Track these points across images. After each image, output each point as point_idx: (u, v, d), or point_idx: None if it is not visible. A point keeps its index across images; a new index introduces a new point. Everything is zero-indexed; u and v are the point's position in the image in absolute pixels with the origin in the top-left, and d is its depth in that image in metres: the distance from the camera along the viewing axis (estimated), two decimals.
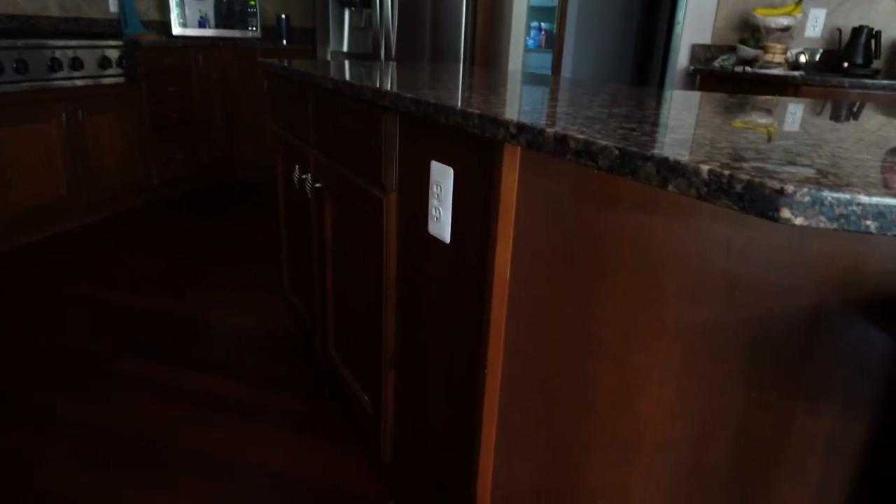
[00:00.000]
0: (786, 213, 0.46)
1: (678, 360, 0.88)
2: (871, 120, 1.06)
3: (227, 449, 1.61)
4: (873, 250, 0.76)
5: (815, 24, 3.15)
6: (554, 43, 5.86)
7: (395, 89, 1.11)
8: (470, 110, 0.86)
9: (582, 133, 0.66)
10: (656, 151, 0.56)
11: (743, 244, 0.80)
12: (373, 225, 1.30)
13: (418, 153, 1.11)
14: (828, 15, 3.13)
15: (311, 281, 1.86)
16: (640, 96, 1.22)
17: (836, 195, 0.45)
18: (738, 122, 0.88)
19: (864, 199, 0.45)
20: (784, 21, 2.96)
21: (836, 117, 1.06)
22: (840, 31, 3.08)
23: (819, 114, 1.10)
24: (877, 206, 0.45)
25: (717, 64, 3.14)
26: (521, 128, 0.76)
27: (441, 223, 1.04)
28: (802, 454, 0.87)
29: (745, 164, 0.53)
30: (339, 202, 1.51)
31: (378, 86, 1.17)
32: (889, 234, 0.45)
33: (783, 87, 2.78)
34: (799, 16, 3.03)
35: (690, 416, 0.90)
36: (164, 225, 3.37)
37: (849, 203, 0.45)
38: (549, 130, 0.71)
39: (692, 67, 3.35)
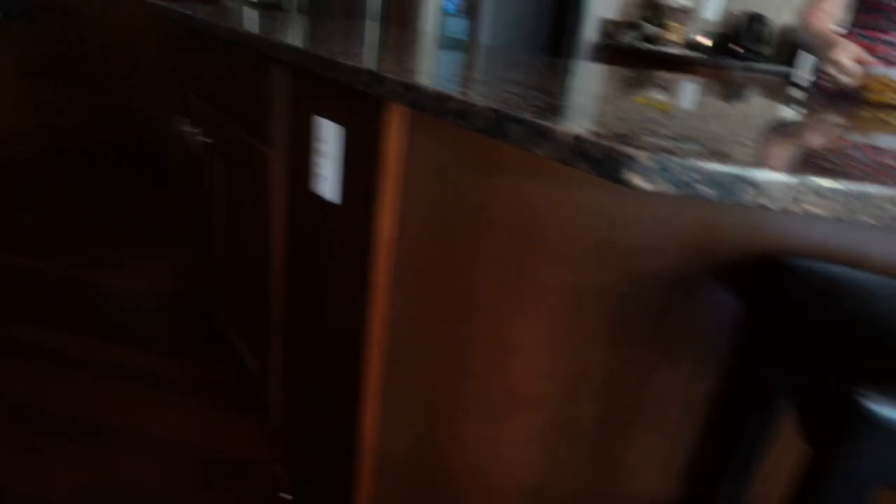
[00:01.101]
0: (635, 178, 0.48)
1: (550, 321, 0.92)
2: (749, 100, 1.13)
3: (114, 415, 1.54)
4: (727, 220, 0.81)
5: (714, 7, 3.31)
6: (471, 8, 5.83)
7: (289, 42, 1.06)
8: (357, 66, 0.83)
9: (464, 95, 0.66)
10: (528, 116, 0.57)
11: (615, 210, 0.84)
12: (258, 183, 1.26)
13: (309, 109, 1.07)
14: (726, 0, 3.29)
15: (207, 243, 1.79)
16: (538, 65, 1.24)
17: (679, 162, 0.48)
18: (638, 98, 0.91)
19: (703, 166, 0.47)
20: (684, 2, 3.08)
21: (716, 96, 1.12)
22: (735, 15, 3.25)
23: (703, 93, 1.15)
24: (713, 174, 0.47)
25: (621, 39, 3.23)
26: (406, 86, 0.75)
27: (329, 183, 1.02)
28: (661, 406, 0.94)
29: (607, 132, 0.54)
30: (229, 159, 1.45)
31: (269, 36, 1.11)
32: (727, 201, 0.48)
33: (681, 65, 2.91)
34: None
35: (561, 375, 0.94)
36: (54, 180, 3.11)
37: (692, 170, 0.48)
38: (431, 89, 0.70)
39: (601, 41, 3.43)
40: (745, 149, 0.55)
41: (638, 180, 0.48)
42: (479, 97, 0.66)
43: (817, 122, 0.91)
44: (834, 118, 0.99)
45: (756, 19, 3.07)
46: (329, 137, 1.00)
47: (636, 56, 3.11)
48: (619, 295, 0.89)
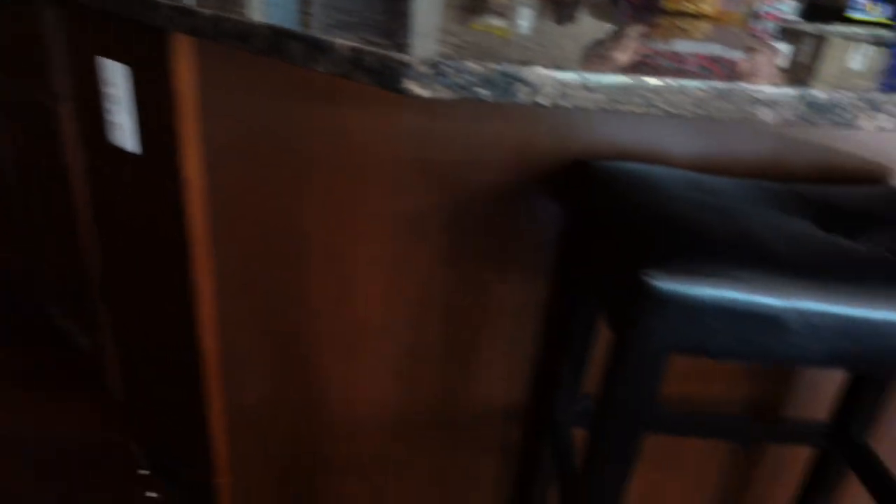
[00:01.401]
0: (411, 85, 0.47)
1: (389, 250, 0.91)
2: (573, 18, 1.16)
3: None
4: (540, 128, 0.84)
5: None
6: None
7: None
8: None
9: (238, 15, 0.60)
10: (303, 30, 0.53)
11: (431, 130, 0.83)
12: (49, 141, 1.11)
13: (90, 50, 0.95)
14: None
15: (14, 219, 1.57)
16: None
17: (452, 64, 0.47)
18: (475, 26, 0.89)
19: (475, 68, 0.47)
20: None
21: (549, 18, 1.13)
22: None
23: (538, 16, 1.16)
24: (486, 75, 0.47)
25: None
26: (181, 11, 0.68)
27: (126, 131, 0.92)
28: (500, 319, 0.98)
29: (385, 41, 0.52)
30: (13, 118, 1.26)
31: None
32: (499, 100, 0.48)
33: None
34: None
35: (404, 300, 0.95)
36: None
37: (464, 72, 0.47)
38: (207, 12, 0.63)
39: None
40: (525, 51, 0.56)
41: (415, 87, 0.47)
42: (260, 17, 0.61)
43: (613, 31, 0.95)
44: (631, 26, 1.04)
45: None
46: (117, 80, 0.89)
47: None
48: (450, 214, 0.90)
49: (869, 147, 0.89)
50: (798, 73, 0.62)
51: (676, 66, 0.56)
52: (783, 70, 0.64)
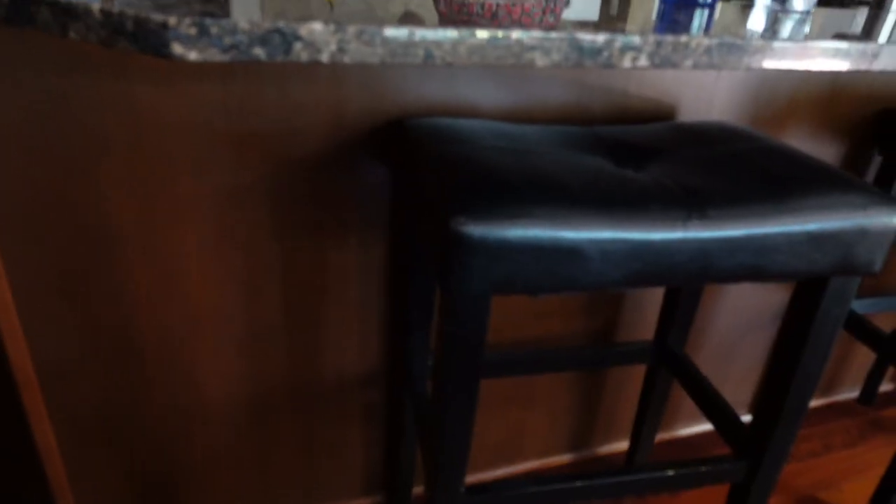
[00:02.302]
0: (177, 48, 0.44)
1: (211, 228, 0.87)
2: None
3: None
4: (352, 91, 0.83)
5: None
6: None
7: None
8: None
9: None
10: None
11: (237, 100, 0.79)
12: None
13: None
14: None
15: None
16: None
17: (220, 23, 0.45)
18: None
19: (244, 25, 0.45)
20: None
21: None
22: None
23: None
24: (256, 34, 0.45)
25: None
26: None
27: None
28: (341, 285, 0.97)
29: (146, 2, 0.48)
30: None
31: None
32: (277, 59, 0.47)
33: None
34: None
35: (236, 278, 0.91)
36: None
37: (234, 31, 0.45)
38: None
39: None
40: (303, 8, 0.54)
41: (181, 50, 0.44)
42: None
43: None
44: None
45: None
46: None
47: None
48: (272, 186, 0.87)
49: (660, 88, 0.98)
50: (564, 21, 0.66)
51: (456, 17, 0.58)
52: (554, 17, 0.68)
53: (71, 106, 0.73)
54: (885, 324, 1.52)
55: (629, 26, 0.65)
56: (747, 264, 0.67)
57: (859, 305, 1.39)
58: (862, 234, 0.69)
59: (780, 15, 0.94)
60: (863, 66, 0.69)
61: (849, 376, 1.60)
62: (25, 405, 0.91)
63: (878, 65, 0.70)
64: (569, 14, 0.73)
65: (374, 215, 0.94)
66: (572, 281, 0.64)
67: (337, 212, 0.91)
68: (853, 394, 1.63)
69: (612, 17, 0.74)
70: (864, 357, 1.58)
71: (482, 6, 0.63)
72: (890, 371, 1.65)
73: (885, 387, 1.67)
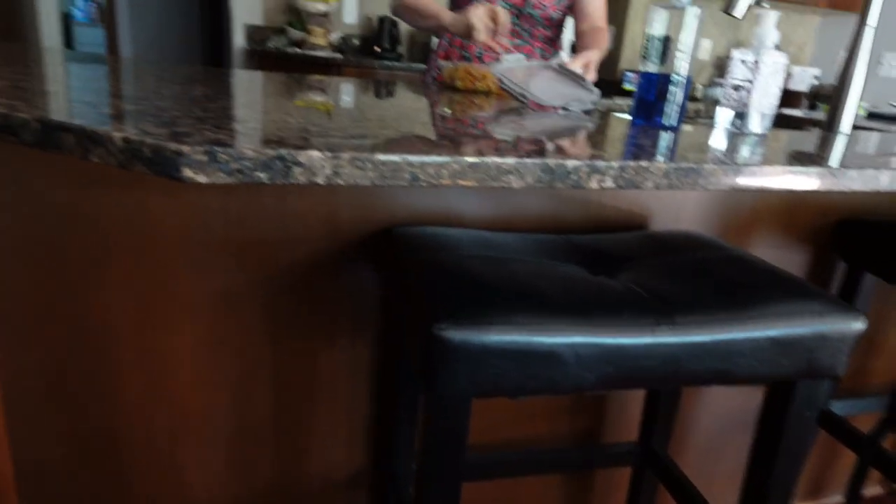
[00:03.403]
0: (187, 172, 0.50)
1: (204, 331, 0.89)
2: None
3: None
4: (344, 201, 0.89)
5: (350, 12, 3.54)
6: (105, 16, 5.23)
7: None
8: None
9: (5, 108, 0.59)
10: (75, 121, 0.53)
11: (238, 210, 0.85)
12: None
13: None
14: (359, 4, 3.54)
15: None
16: (195, 76, 1.18)
17: (227, 151, 0.50)
18: (299, 102, 0.91)
19: (249, 153, 0.51)
20: (322, 7, 3.24)
21: (371, 94, 1.20)
22: (370, 18, 3.53)
23: (360, 93, 1.22)
24: (260, 159, 0.51)
25: (270, 45, 3.26)
26: None
27: None
28: (331, 386, 0.99)
29: (161, 131, 0.54)
30: None
31: None
32: (278, 182, 0.52)
33: (328, 67, 3.06)
34: (335, 3, 3.35)
35: (228, 382, 0.93)
36: None
37: (239, 158, 0.51)
38: None
39: (248, 47, 3.41)
40: (300, 134, 0.60)
41: (192, 174, 0.50)
42: (24, 107, 0.60)
43: (398, 106, 1.04)
44: (421, 103, 1.14)
45: (389, 21, 3.38)
46: None
47: (286, 60, 3.16)
48: (265, 291, 0.91)
49: (632, 200, 1.06)
50: (540, 145, 0.73)
51: (438, 142, 0.64)
52: (541, 143, 0.76)
53: (79, 211, 0.78)
54: (865, 425, 1.53)
55: (606, 148, 0.72)
56: (715, 368, 0.70)
57: (839, 407, 1.41)
58: (822, 339, 0.73)
59: (738, 137, 1.03)
60: (812, 187, 0.76)
61: (837, 479, 1.59)
62: None
63: (826, 185, 0.77)
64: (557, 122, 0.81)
65: (363, 319, 0.97)
66: (550, 383, 0.67)
67: (328, 315, 0.95)
68: (840, 497, 1.62)
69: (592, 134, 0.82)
70: (848, 459, 1.58)
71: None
72: (877, 475, 1.64)
73: (874, 490, 1.66)
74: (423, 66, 3.35)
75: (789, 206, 1.17)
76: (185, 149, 0.49)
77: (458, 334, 0.63)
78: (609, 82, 3.54)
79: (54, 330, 0.82)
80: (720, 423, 1.35)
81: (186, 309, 0.87)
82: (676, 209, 1.09)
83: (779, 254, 1.21)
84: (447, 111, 0.99)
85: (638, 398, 1.25)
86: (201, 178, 0.50)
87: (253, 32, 3.48)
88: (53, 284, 0.81)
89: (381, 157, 0.55)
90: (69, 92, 0.75)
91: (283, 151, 0.51)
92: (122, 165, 0.52)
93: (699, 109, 2.00)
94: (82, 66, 1.12)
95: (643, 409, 1.17)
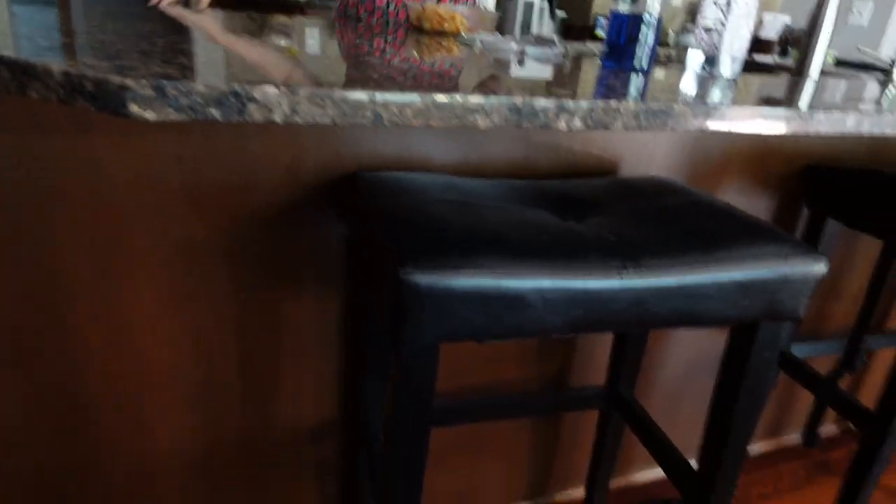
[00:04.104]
0: (134, 108, 0.47)
1: (165, 281, 0.87)
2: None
3: None
4: (308, 145, 0.86)
5: None
6: None
7: None
8: None
9: None
10: (7, 53, 0.49)
11: (194, 155, 0.81)
12: None
13: None
14: None
15: None
16: (154, 18, 1.11)
17: (176, 85, 0.47)
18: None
19: (200, 88, 0.48)
20: None
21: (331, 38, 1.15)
22: None
23: (322, 37, 1.17)
24: (212, 95, 0.48)
25: None
26: None
27: None
28: (297, 337, 0.98)
29: (104, 64, 0.51)
30: None
31: None
32: (233, 119, 0.49)
33: (290, 7, 2.96)
34: None
35: (190, 334, 0.91)
36: None
37: (190, 93, 0.48)
38: None
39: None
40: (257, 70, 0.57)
41: (139, 110, 0.47)
42: None
43: (366, 50, 1.00)
44: (385, 44, 1.10)
45: None
46: None
47: (252, 2, 3.03)
48: (227, 239, 0.88)
49: (602, 146, 1.04)
50: (503, 82, 0.71)
51: (402, 80, 0.62)
52: (496, 79, 0.73)
53: (25, 158, 0.74)
54: (823, 367, 1.59)
55: (577, 90, 0.70)
56: (681, 311, 0.71)
57: (799, 350, 1.45)
58: (785, 281, 0.74)
59: (709, 80, 1.01)
60: (779, 130, 0.76)
61: (795, 419, 1.66)
62: None
63: (793, 128, 0.77)
64: (527, 72, 0.78)
65: (329, 268, 0.95)
66: (516, 327, 0.67)
67: (293, 265, 0.93)
68: (798, 436, 1.69)
69: (564, 78, 0.80)
70: (806, 400, 1.64)
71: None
72: (833, 414, 1.71)
73: (830, 429, 1.74)
74: None
75: (758, 153, 1.17)
76: (131, 82, 0.46)
77: (424, 278, 0.62)
78: (581, 27, 3.49)
79: (5, 284, 0.79)
80: (685, 367, 1.39)
81: (145, 259, 0.84)
82: (647, 155, 1.08)
83: (747, 200, 1.22)
84: (415, 55, 0.96)
85: (605, 342, 1.27)
86: (149, 115, 0.47)
87: None
88: (3, 239, 0.77)
89: (341, 93, 0.52)
90: (5, 27, 0.70)
91: (237, 86, 0.49)
92: (62, 101, 0.48)
93: (670, 55, 1.98)
94: (23, 5, 1.04)
95: (610, 353, 1.19)
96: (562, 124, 0.61)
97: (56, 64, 0.48)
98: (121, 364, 0.89)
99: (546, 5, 3.22)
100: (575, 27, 3.54)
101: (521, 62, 1.01)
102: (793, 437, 1.68)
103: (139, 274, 0.85)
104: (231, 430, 1.01)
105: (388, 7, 1.66)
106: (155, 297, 0.87)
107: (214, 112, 0.49)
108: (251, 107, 0.50)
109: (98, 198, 0.79)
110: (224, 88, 0.48)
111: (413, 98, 0.54)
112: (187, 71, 0.51)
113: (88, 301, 0.83)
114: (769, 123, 0.76)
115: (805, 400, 1.64)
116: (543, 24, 3.18)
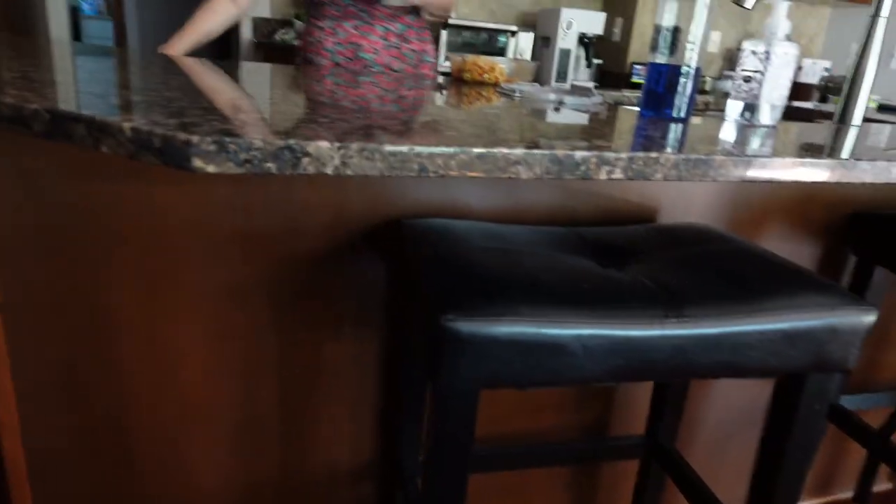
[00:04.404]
0: (198, 162, 0.50)
1: (211, 322, 0.90)
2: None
3: None
4: (352, 194, 0.89)
5: None
6: (113, 9, 5.25)
7: None
8: None
9: (15, 98, 0.59)
10: (85, 112, 0.54)
11: (245, 201, 0.85)
12: None
13: None
14: None
15: None
16: (205, 69, 1.18)
17: (236, 141, 0.50)
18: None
19: (258, 143, 0.51)
20: None
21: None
22: None
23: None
24: (267, 150, 0.51)
25: (277, 37, 3.26)
26: None
27: None
28: (337, 379, 0.99)
29: (170, 121, 0.54)
30: None
31: None
32: (286, 172, 0.52)
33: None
34: None
35: (233, 374, 0.93)
36: None
37: (248, 148, 0.51)
38: None
39: (255, 40, 3.41)
40: (306, 124, 0.60)
41: (201, 164, 0.50)
42: (34, 97, 0.60)
43: (419, 99, 1.04)
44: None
45: None
46: None
47: (293, 52, 3.16)
48: (272, 282, 0.91)
49: (642, 192, 1.05)
50: (541, 134, 0.73)
51: (446, 132, 0.64)
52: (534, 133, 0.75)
53: (87, 204, 0.79)
54: (876, 420, 1.53)
55: (614, 139, 0.71)
56: (724, 361, 0.70)
57: (849, 402, 1.40)
58: (832, 332, 0.72)
59: (748, 129, 1.02)
60: (821, 178, 0.76)
61: (846, 475, 1.58)
62: (12, 497, 0.90)
63: (836, 176, 0.77)
64: (565, 121, 0.80)
65: (370, 311, 0.97)
66: (557, 375, 0.67)
67: (335, 307, 0.95)
68: (850, 493, 1.61)
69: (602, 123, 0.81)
70: (858, 454, 1.57)
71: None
72: (886, 470, 1.63)
73: (884, 486, 1.65)
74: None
75: (800, 200, 1.16)
76: (195, 139, 0.49)
77: (466, 326, 0.63)
78: (618, 75, 3.53)
79: (64, 322, 0.83)
80: (728, 417, 1.35)
81: (194, 300, 0.88)
82: (686, 202, 1.08)
83: (790, 247, 1.20)
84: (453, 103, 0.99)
85: (646, 391, 1.25)
86: (211, 168, 0.50)
87: (260, 25, 3.48)
88: (63, 277, 0.81)
89: (390, 147, 0.54)
90: (78, 83, 0.76)
91: (292, 142, 0.51)
92: (131, 156, 0.52)
93: (708, 102, 1.99)
94: (90, 59, 1.12)
95: (651, 402, 1.17)
96: (602, 175, 0.62)
97: (126, 122, 0.52)
98: (165, 399, 0.91)
99: (583, 53, 3.27)
100: (611, 74, 3.59)
101: (558, 111, 1.03)
102: (845, 494, 1.60)
103: (186, 313, 0.88)
104: (270, 470, 1.02)
105: (335, 49, 1.68)
106: (201, 335, 0.90)
107: (270, 166, 0.52)
108: (305, 161, 0.52)
109: (153, 240, 0.83)
110: (280, 143, 0.51)
111: (457, 150, 0.56)
112: (247, 126, 0.54)
113: (137, 338, 0.86)
114: (810, 171, 0.75)
115: (856, 454, 1.57)
116: (580, 72, 3.23)
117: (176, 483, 0.97)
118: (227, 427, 0.96)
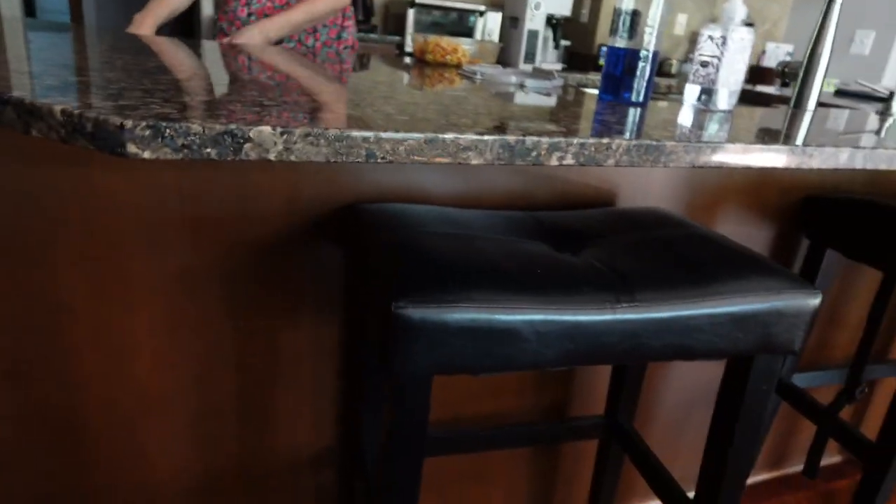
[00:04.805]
0: (132, 147, 0.48)
1: (162, 311, 0.88)
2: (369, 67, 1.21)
3: None
4: (305, 179, 0.87)
5: None
6: None
7: None
8: None
9: None
10: (16, 93, 0.51)
11: (194, 186, 0.83)
12: None
13: None
14: None
15: None
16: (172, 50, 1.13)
17: (173, 126, 0.48)
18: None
19: (196, 128, 0.49)
20: None
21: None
22: None
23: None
24: (208, 135, 0.50)
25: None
26: None
27: None
28: (295, 365, 0.98)
29: (106, 104, 0.52)
30: None
31: None
32: (227, 158, 0.51)
33: None
34: None
35: (188, 363, 0.92)
36: None
37: (186, 133, 0.49)
38: None
39: (216, 16, 3.31)
40: (252, 108, 0.59)
41: (136, 150, 0.48)
42: None
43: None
44: (396, 73, 1.12)
45: None
46: None
47: None
48: (225, 269, 0.89)
49: (600, 176, 1.05)
50: (497, 118, 0.73)
51: (397, 116, 0.63)
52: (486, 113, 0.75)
53: (28, 189, 0.76)
54: (826, 397, 1.58)
55: (569, 124, 0.71)
56: (674, 344, 0.71)
57: (800, 380, 1.44)
58: (778, 315, 0.74)
59: (705, 114, 1.03)
60: (770, 164, 0.77)
61: (797, 450, 1.64)
62: None
63: (787, 162, 0.78)
64: (523, 106, 0.80)
65: (327, 298, 0.96)
66: (510, 361, 0.67)
67: (290, 294, 0.94)
68: (800, 466, 1.67)
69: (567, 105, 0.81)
70: (809, 430, 1.63)
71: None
72: (836, 444, 1.69)
73: (833, 460, 1.71)
74: (397, 37, 3.30)
75: (756, 184, 1.18)
76: (129, 123, 0.47)
77: (418, 312, 0.63)
78: (585, 56, 3.53)
79: (6, 309, 0.80)
80: (686, 397, 1.38)
81: (143, 288, 0.85)
82: (645, 186, 1.09)
83: (746, 231, 1.22)
84: (416, 84, 0.98)
85: (604, 372, 1.27)
86: (146, 154, 0.48)
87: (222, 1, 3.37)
88: (4, 263, 0.78)
89: (335, 132, 0.53)
90: (14, 62, 0.72)
91: (233, 126, 0.50)
92: (63, 140, 0.50)
93: (671, 85, 2.00)
94: (38, 35, 1.07)
95: (609, 383, 1.19)
96: (553, 161, 0.62)
97: (57, 105, 0.50)
98: (117, 389, 0.89)
99: (550, 35, 3.26)
100: (579, 56, 3.59)
101: (517, 94, 1.02)
102: (795, 468, 1.66)
103: (136, 300, 0.86)
104: (228, 458, 1.01)
105: (248, 19, 1.68)
106: (151, 323, 0.88)
107: (210, 151, 0.50)
108: (246, 146, 0.51)
109: (98, 225, 0.80)
110: (220, 128, 0.50)
111: (405, 136, 0.55)
112: (187, 110, 0.53)
113: (86, 325, 0.84)
114: (759, 157, 0.77)
115: (807, 430, 1.62)
116: (548, 53, 3.22)
117: (132, 473, 0.95)
118: (183, 416, 0.95)
